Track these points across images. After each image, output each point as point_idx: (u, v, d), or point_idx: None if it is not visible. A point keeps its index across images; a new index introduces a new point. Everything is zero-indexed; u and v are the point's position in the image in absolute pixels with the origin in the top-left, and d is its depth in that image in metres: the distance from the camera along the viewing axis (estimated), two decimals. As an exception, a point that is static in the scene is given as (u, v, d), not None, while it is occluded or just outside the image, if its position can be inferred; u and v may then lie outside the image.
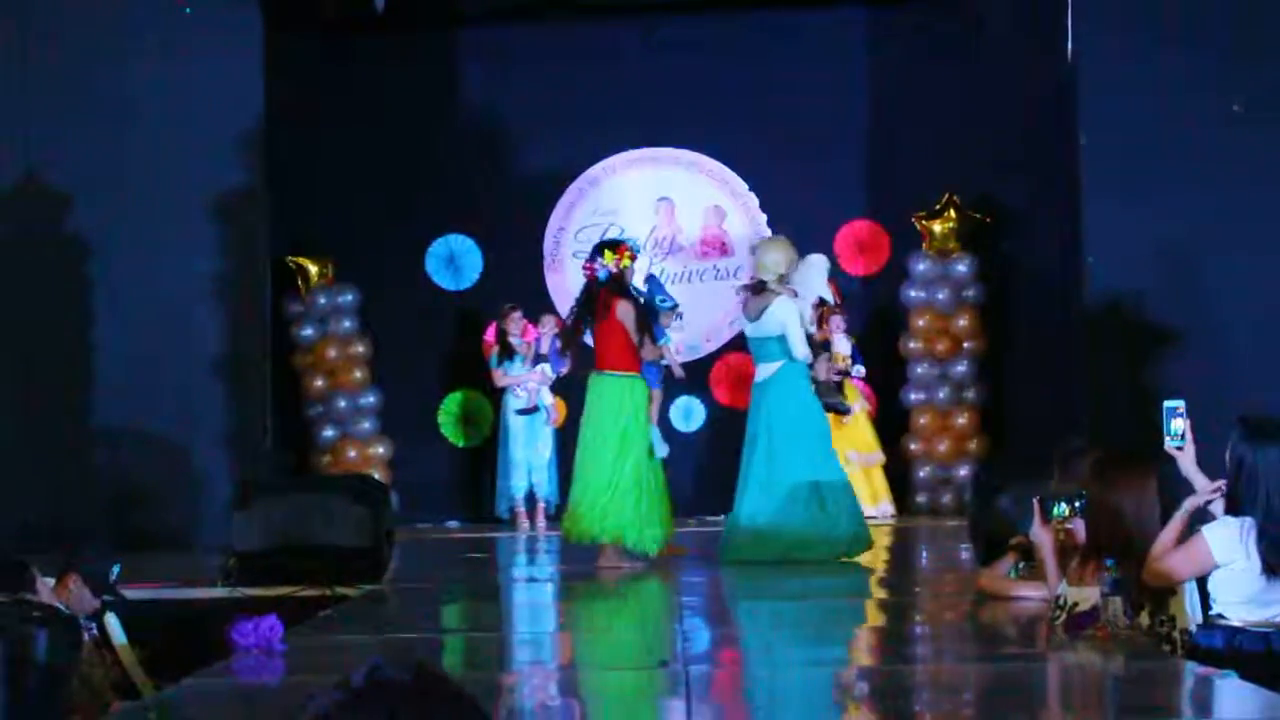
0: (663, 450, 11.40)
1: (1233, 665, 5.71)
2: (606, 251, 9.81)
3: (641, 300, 10.25)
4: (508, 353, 13.75)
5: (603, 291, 9.75)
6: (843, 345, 13.70)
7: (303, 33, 13.79)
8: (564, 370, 13.45)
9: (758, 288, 9.96)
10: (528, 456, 13.76)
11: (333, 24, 14.18)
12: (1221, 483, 6.17)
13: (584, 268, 10.06)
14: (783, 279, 9.93)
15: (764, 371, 9.97)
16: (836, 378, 12.99)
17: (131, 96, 12.31)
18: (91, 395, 12.39)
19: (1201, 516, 6.21)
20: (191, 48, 12.36)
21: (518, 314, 13.78)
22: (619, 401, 9.72)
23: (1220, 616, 6.13)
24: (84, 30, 12.37)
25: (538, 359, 13.76)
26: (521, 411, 13.75)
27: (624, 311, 9.69)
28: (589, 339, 9.99)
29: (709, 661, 6.93)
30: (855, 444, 13.58)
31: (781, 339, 9.84)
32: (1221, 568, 6.09)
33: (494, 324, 13.89)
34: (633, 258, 9.92)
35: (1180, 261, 12.14)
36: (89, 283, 12.41)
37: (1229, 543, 6.07)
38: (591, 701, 6.07)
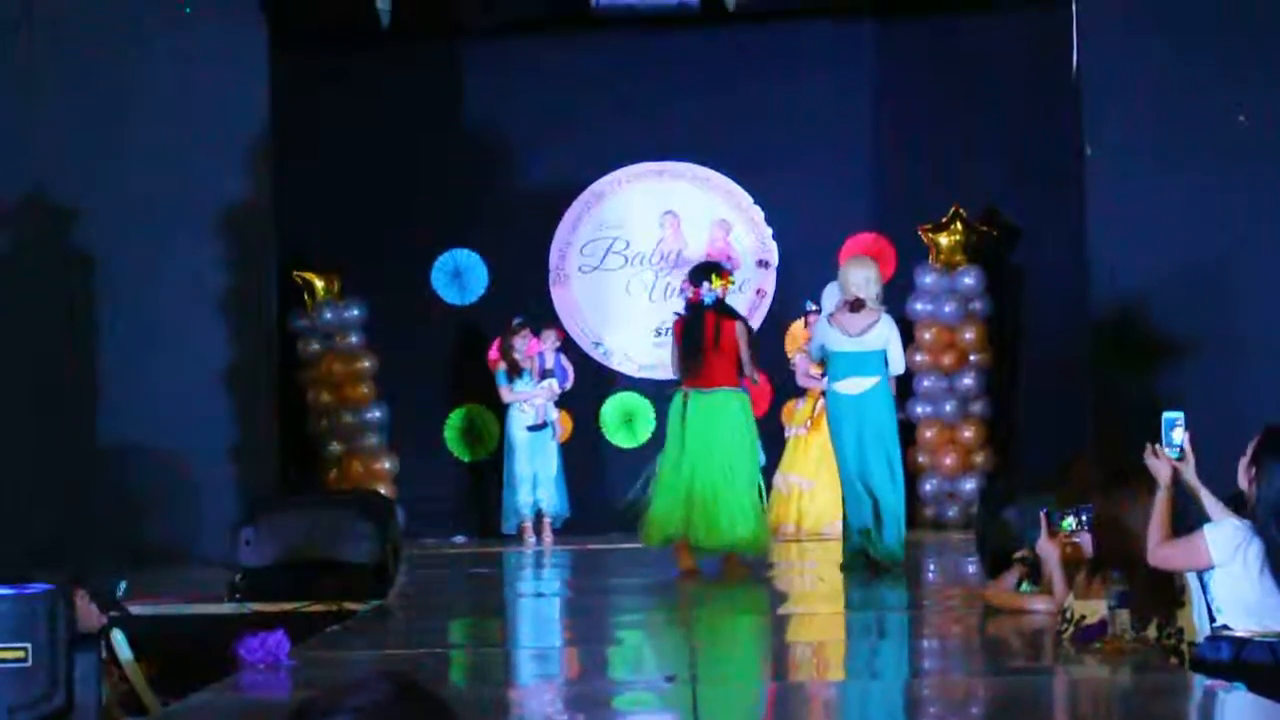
0: None
1: (1239, 677, 5.69)
2: (714, 276, 10.41)
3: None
4: (515, 369, 13.76)
5: (711, 314, 10.31)
6: None
7: (308, 47, 13.80)
8: (568, 385, 13.87)
9: (856, 305, 10.43)
10: (534, 472, 13.71)
11: (338, 37, 14.19)
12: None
13: (687, 291, 10.53)
14: (877, 297, 10.48)
15: (862, 384, 10.42)
16: (808, 384, 13.26)
17: (137, 110, 12.32)
18: (97, 410, 12.38)
19: (1201, 516, 6.20)
20: (197, 61, 12.37)
21: (525, 331, 13.80)
22: (742, 415, 10.38)
23: (1225, 628, 6.12)
24: (89, 44, 12.37)
25: (544, 374, 13.77)
26: (531, 428, 13.75)
27: (740, 332, 10.33)
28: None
29: (716, 677, 6.92)
30: None
31: (883, 354, 10.39)
32: (1218, 569, 6.08)
33: (498, 340, 13.86)
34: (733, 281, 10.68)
35: (1187, 273, 12.13)
36: (95, 297, 12.41)
37: (1226, 545, 6.06)
38: (597, 716, 6.06)
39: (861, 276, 10.49)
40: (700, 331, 10.29)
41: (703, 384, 10.32)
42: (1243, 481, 6.13)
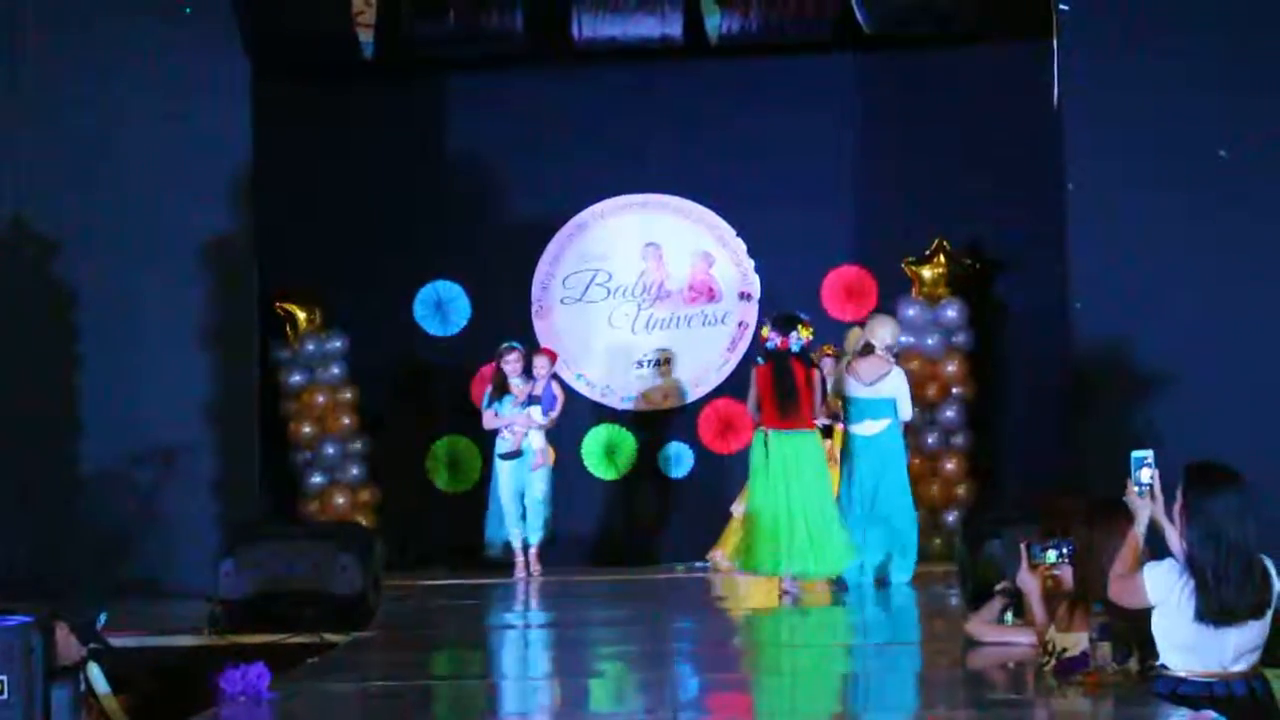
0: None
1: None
2: (800, 326, 11.32)
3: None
4: (499, 393, 13.37)
5: (795, 361, 11.28)
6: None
7: (291, 78, 13.79)
8: (555, 412, 13.38)
9: (866, 350, 11.87)
10: (516, 500, 13.32)
11: (320, 70, 14.20)
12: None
13: (774, 340, 11.35)
14: (889, 349, 11.91)
15: (873, 427, 11.81)
16: (829, 421, 12.91)
17: (120, 142, 12.30)
18: (78, 442, 12.35)
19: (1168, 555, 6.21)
20: (180, 94, 12.36)
21: (515, 354, 13.38)
22: (819, 452, 11.45)
23: (1164, 666, 6.13)
24: (72, 76, 12.37)
25: (530, 400, 13.34)
26: (504, 455, 13.30)
27: (817, 380, 11.38)
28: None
29: (697, 709, 6.90)
30: None
31: (893, 401, 11.77)
32: (1156, 608, 6.10)
33: (493, 364, 13.54)
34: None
35: (1169, 307, 12.14)
36: (76, 329, 12.38)
37: (1160, 584, 6.08)
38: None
39: (884, 332, 11.93)
40: (790, 378, 11.23)
41: (785, 425, 11.27)
42: (1178, 523, 6.15)
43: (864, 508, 11.77)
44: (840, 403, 12.04)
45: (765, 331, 11.57)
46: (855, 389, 11.82)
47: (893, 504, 11.81)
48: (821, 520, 11.27)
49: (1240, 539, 6.03)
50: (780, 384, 11.28)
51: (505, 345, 13.45)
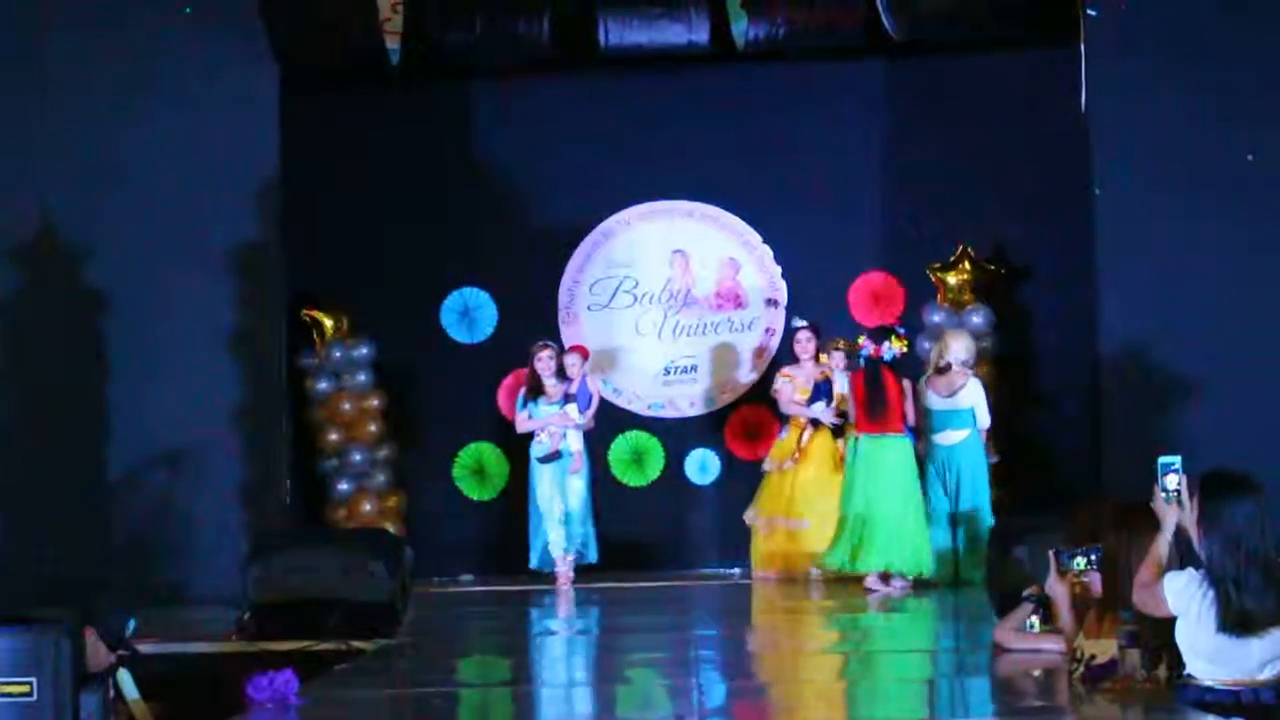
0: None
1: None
2: (894, 338, 12.16)
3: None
4: (533, 394, 13.15)
5: (887, 370, 12.10)
6: (843, 386, 13.08)
7: (318, 87, 13.83)
8: (591, 412, 13.25)
9: (944, 369, 12.46)
10: (555, 507, 13.04)
11: (347, 77, 14.23)
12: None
13: (868, 349, 12.18)
14: (965, 364, 12.43)
15: (954, 437, 12.44)
16: (838, 420, 12.93)
17: (148, 150, 12.34)
18: (107, 449, 12.39)
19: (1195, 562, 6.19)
20: (208, 102, 12.40)
21: (549, 351, 13.21)
22: (908, 454, 12.17)
23: (1191, 676, 6.12)
24: (101, 84, 12.42)
25: (566, 399, 13.12)
26: (542, 459, 13.09)
27: (907, 388, 12.20)
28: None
29: (724, 715, 6.90)
30: None
31: (971, 410, 12.42)
32: (1179, 618, 6.08)
33: (518, 372, 13.49)
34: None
35: (1196, 311, 12.12)
36: (105, 336, 12.42)
37: (1181, 595, 6.07)
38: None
39: (959, 345, 12.48)
40: (881, 385, 12.06)
41: (876, 430, 12.10)
42: (1195, 535, 6.13)
43: (945, 512, 12.33)
44: (847, 404, 12.32)
45: (860, 340, 12.34)
46: (935, 401, 12.42)
47: (973, 509, 12.35)
48: (906, 520, 11.92)
49: (1259, 547, 6.01)
50: (871, 391, 12.09)
51: (539, 342, 13.34)
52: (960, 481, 12.39)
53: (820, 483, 12.94)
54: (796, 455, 13.12)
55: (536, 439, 13.18)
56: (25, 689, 6.17)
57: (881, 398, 12.04)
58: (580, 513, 13.12)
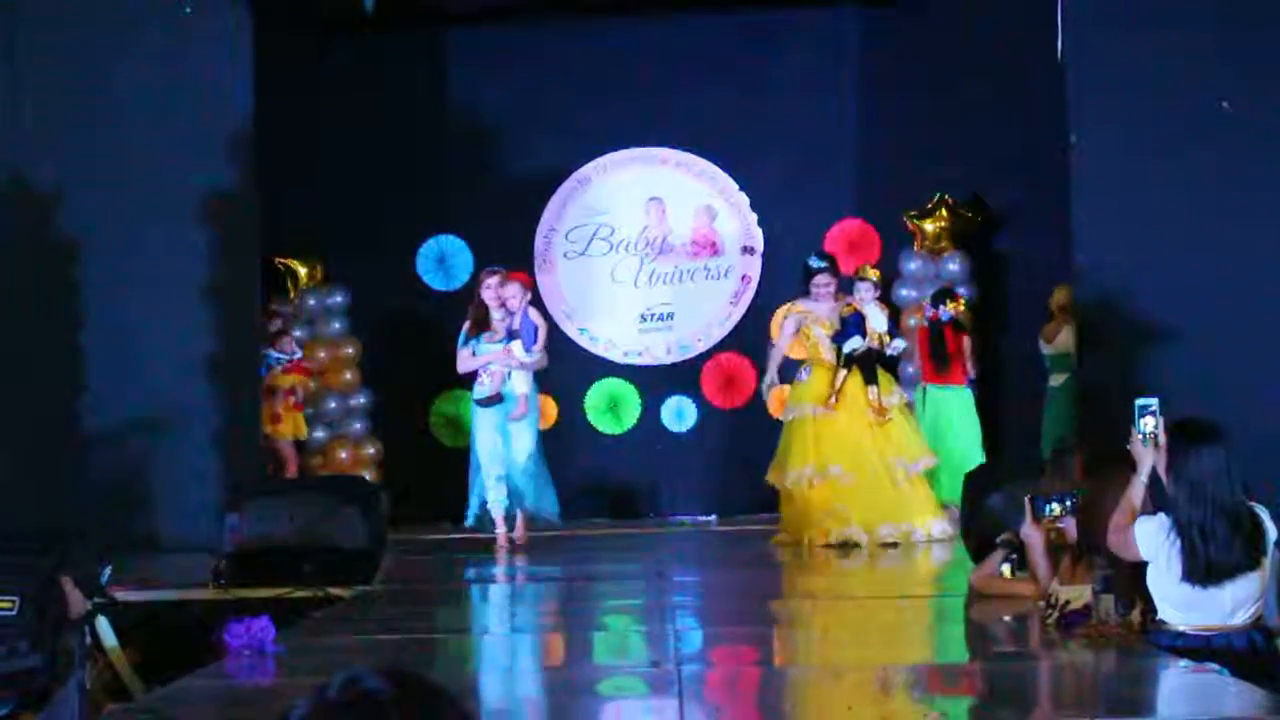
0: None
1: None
2: (948, 299, 13.37)
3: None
4: (477, 329, 11.68)
5: (948, 328, 13.31)
6: (878, 320, 12.04)
7: (293, 33, 13.76)
8: (537, 347, 11.71)
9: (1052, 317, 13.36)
10: (495, 457, 11.55)
11: (322, 24, 14.16)
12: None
13: (929, 310, 13.42)
14: (1064, 309, 13.10)
15: (1059, 380, 13.28)
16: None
17: (121, 96, 12.26)
18: (80, 397, 12.34)
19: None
20: (181, 47, 12.31)
21: (497, 279, 11.68)
22: (970, 405, 13.38)
23: (1163, 622, 6.14)
24: (73, 29, 12.32)
25: (509, 335, 11.60)
26: (481, 401, 11.60)
27: (966, 343, 13.42)
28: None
29: (701, 661, 6.92)
30: (900, 449, 11.77)
31: (1069, 355, 13.04)
32: (1149, 565, 6.10)
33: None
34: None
35: (1172, 260, 12.11)
36: (77, 284, 12.36)
37: (1150, 540, 6.09)
38: (582, 702, 6.06)
39: (1063, 293, 12.99)
40: (942, 342, 13.30)
41: (939, 381, 13.33)
42: (1165, 481, 6.14)
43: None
44: (887, 338, 11.96)
45: (924, 303, 13.59)
46: (1044, 347, 13.45)
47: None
48: (969, 462, 12.16)
49: (1225, 495, 6.01)
50: (935, 347, 13.33)
51: (486, 268, 12.04)
52: (1067, 420, 13.04)
53: (855, 432, 11.66)
54: (834, 399, 11.63)
55: (479, 380, 11.69)
56: (7, 605, 6.22)
57: (944, 352, 13.30)
58: (526, 465, 11.61)
